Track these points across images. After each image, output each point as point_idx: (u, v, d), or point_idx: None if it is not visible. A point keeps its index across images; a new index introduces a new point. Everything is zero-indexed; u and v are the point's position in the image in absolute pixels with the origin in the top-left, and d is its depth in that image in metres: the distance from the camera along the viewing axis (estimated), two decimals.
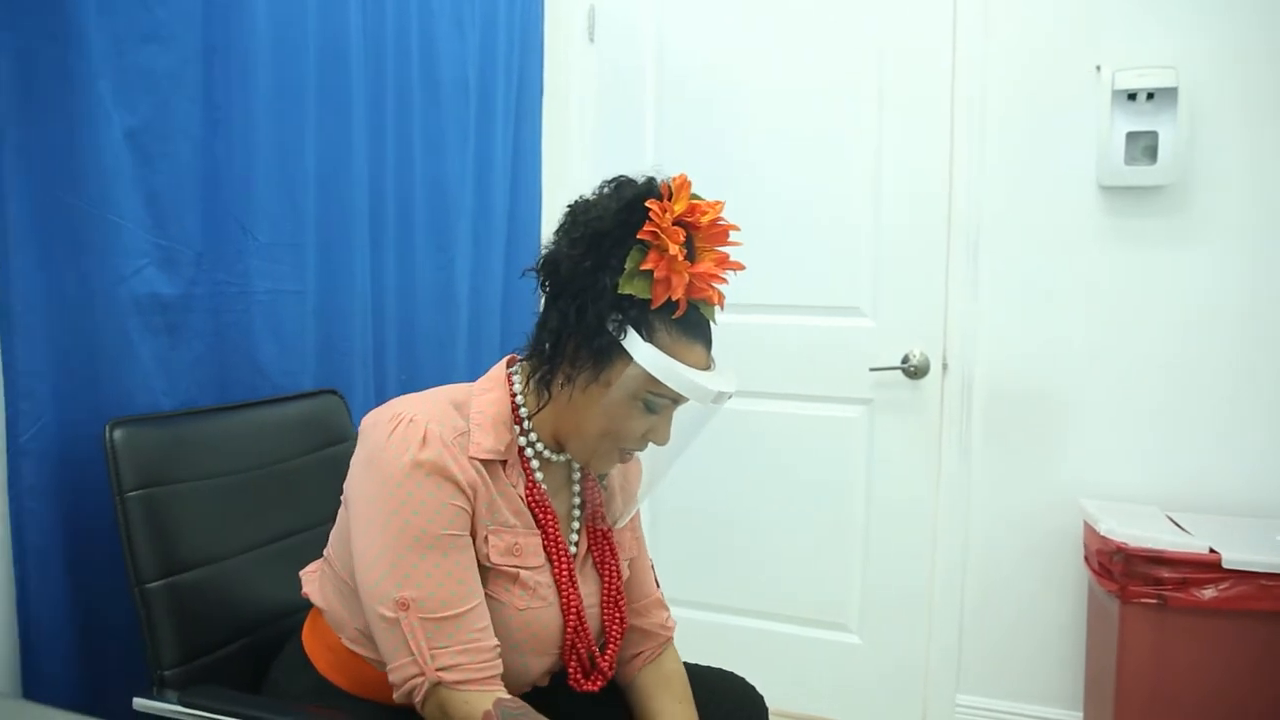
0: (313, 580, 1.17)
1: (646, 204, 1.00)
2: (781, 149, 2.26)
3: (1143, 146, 1.93)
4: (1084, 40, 1.99)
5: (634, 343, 1.00)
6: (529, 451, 1.10)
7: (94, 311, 1.24)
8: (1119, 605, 1.72)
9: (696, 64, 2.34)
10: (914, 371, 2.15)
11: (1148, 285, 1.99)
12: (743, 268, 1.08)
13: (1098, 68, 1.95)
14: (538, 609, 1.07)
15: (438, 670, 0.96)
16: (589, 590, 1.15)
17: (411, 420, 1.00)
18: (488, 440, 1.04)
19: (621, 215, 1.01)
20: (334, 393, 1.57)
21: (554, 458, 1.12)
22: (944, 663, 2.19)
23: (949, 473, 2.16)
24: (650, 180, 1.05)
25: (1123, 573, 1.71)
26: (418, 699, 0.98)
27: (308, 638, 1.17)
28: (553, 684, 1.17)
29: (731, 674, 1.32)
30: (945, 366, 2.15)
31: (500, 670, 1.00)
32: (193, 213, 1.38)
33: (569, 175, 2.44)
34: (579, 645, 1.11)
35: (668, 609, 1.28)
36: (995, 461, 2.13)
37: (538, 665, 1.10)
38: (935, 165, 2.12)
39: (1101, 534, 1.77)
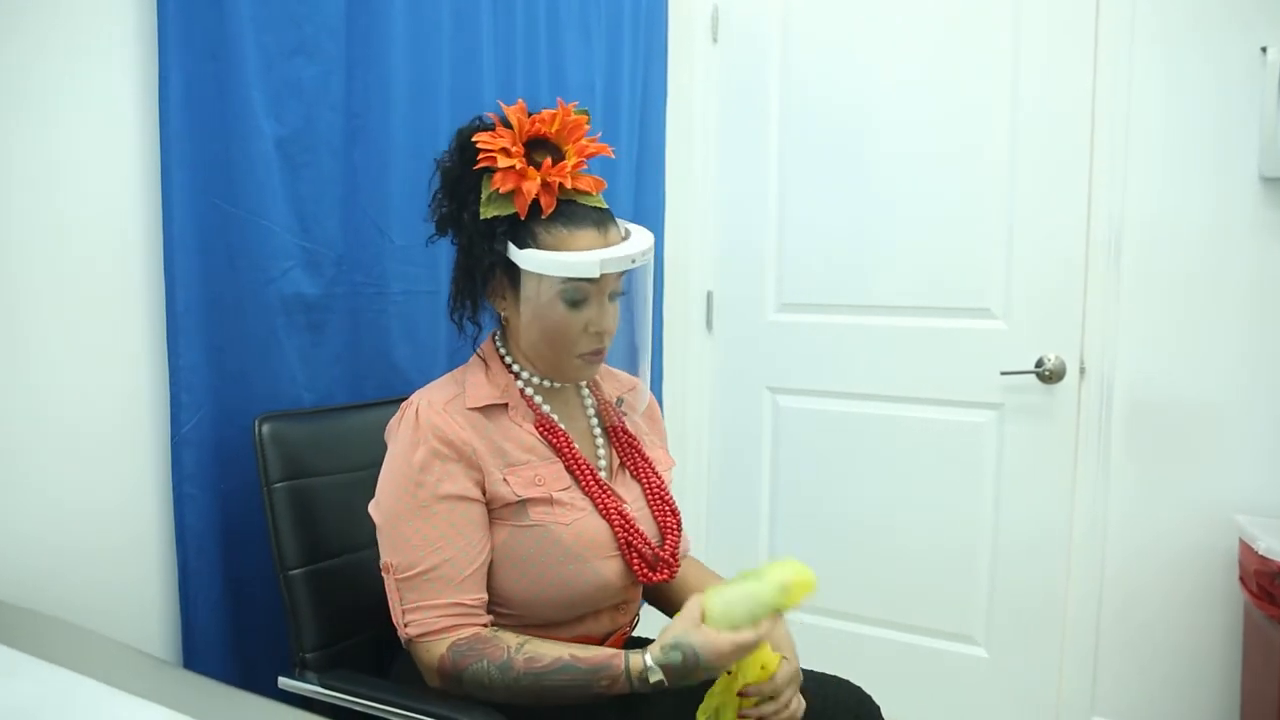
0: None
1: (473, 139, 1.11)
2: (909, 146, 2.19)
3: None
4: (1245, 19, 1.84)
5: (515, 253, 1.10)
6: (528, 390, 1.19)
7: (246, 311, 1.32)
8: None
9: (820, 62, 2.30)
10: (1048, 376, 2.05)
11: None
12: (606, 150, 1.19)
13: (1263, 49, 1.81)
14: (582, 518, 1.15)
15: (404, 626, 1.08)
16: (632, 496, 1.22)
17: (409, 404, 1.14)
18: (481, 390, 1.16)
19: (461, 155, 1.13)
20: None
21: (554, 386, 1.21)
22: (1078, 683, 2.08)
23: (1085, 482, 2.05)
24: (477, 118, 1.15)
25: None
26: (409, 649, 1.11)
27: None
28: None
29: (846, 681, 1.31)
30: (1083, 371, 2.04)
31: (475, 620, 1.08)
32: (334, 217, 1.46)
33: (692, 177, 2.44)
34: (635, 542, 1.17)
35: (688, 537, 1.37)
36: (1137, 472, 2.01)
37: (608, 569, 1.16)
38: (1074, 155, 2.01)
39: (1261, 553, 1.64)
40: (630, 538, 1.17)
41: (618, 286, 1.15)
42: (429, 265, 1.61)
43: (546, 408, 1.20)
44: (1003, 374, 2.10)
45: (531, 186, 1.09)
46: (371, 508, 1.14)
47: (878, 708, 1.29)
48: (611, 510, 1.17)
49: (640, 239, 1.16)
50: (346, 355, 1.50)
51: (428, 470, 1.08)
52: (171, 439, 1.24)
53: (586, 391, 1.28)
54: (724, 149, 2.45)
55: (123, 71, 1.19)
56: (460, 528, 1.09)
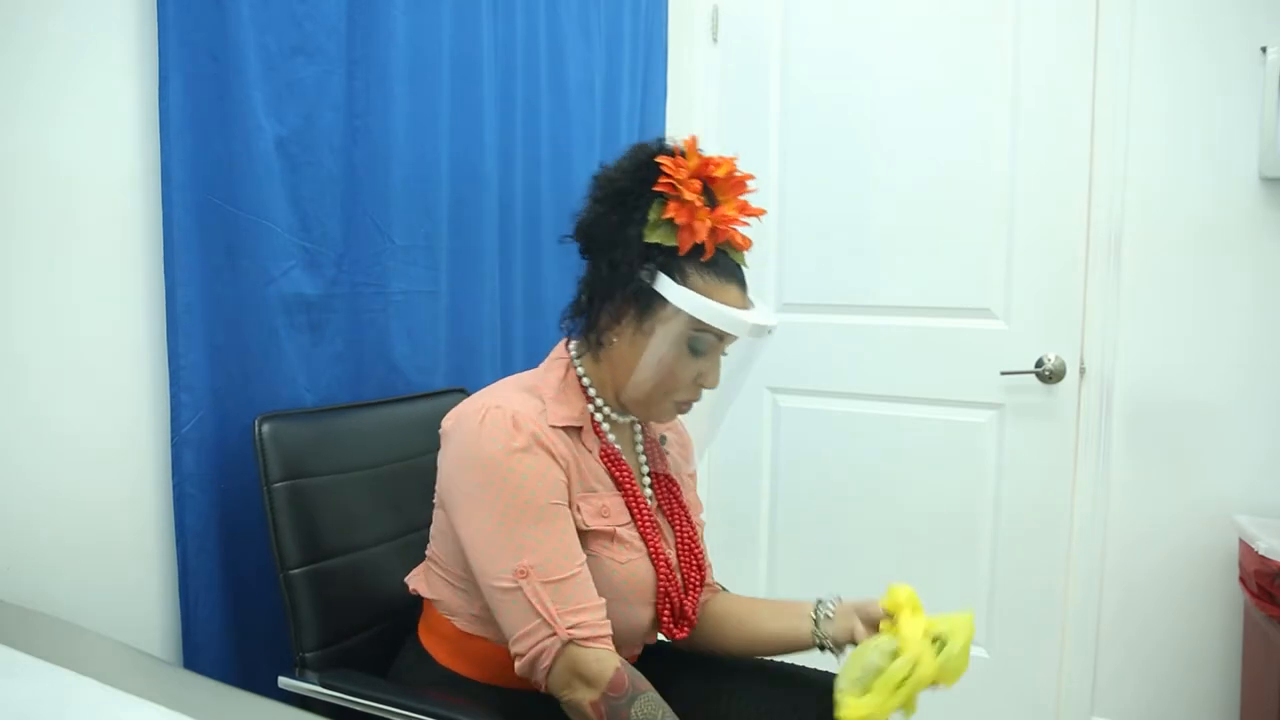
0: (419, 578, 1.23)
1: (658, 160, 1.07)
2: (909, 147, 2.19)
3: None
4: (1245, 19, 1.84)
5: (666, 286, 1.07)
6: (598, 416, 1.17)
7: (246, 311, 1.32)
8: None
9: (820, 62, 2.30)
10: (1049, 376, 2.05)
11: None
12: (763, 213, 1.13)
13: (1263, 49, 1.81)
14: (636, 560, 1.13)
15: (569, 629, 1.00)
16: (668, 542, 1.21)
17: (498, 407, 1.07)
18: (564, 410, 1.12)
19: (639, 173, 1.08)
20: (464, 391, 1.63)
21: (619, 419, 1.19)
22: (1078, 684, 2.08)
23: (1085, 483, 2.05)
24: (661, 140, 1.12)
25: None
26: (546, 663, 1.01)
27: (423, 633, 1.22)
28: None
29: None
30: (1083, 371, 2.05)
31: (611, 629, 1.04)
32: (334, 217, 1.45)
33: None
34: (671, 592, 1.16)
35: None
36: (1137, 472, 2.01)
37: (645, 615, 1.15)
38: (1074, 157, 2.02)
39: (1261, 554, 1.64)
40: (669, 587, 1.15)
41: (727, 347, 1.15)
42: (429, 265, 1.61)
43: (611, 437, 1.18)
44: (1003, 374, 2.10)
45: (703, 227, 1.06)
46: (468, 516, 1.06)
47: None
48: (659, 556, 1.15)
49: (771, 312, 1.14)
50: (347, 355, 1.50)
51: (543, 477, 1.04)
52: (172, 439, 1.24)
53: (639, 427, 1.25)
54: (724, 149, 2.43)
55: (123, 71, 1.19)
56: (576, 537, 1.07)
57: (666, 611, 1.16)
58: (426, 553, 1.22)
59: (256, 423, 1.25)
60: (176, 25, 1.20)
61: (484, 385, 1.71)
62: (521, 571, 1.01)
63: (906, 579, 2.24)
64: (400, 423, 1.48)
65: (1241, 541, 1.78)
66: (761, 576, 2.45)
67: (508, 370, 1.85)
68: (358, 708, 1.14)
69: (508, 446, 1.03)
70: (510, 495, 1.03)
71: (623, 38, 2.16)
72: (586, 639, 1.00)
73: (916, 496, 2.24)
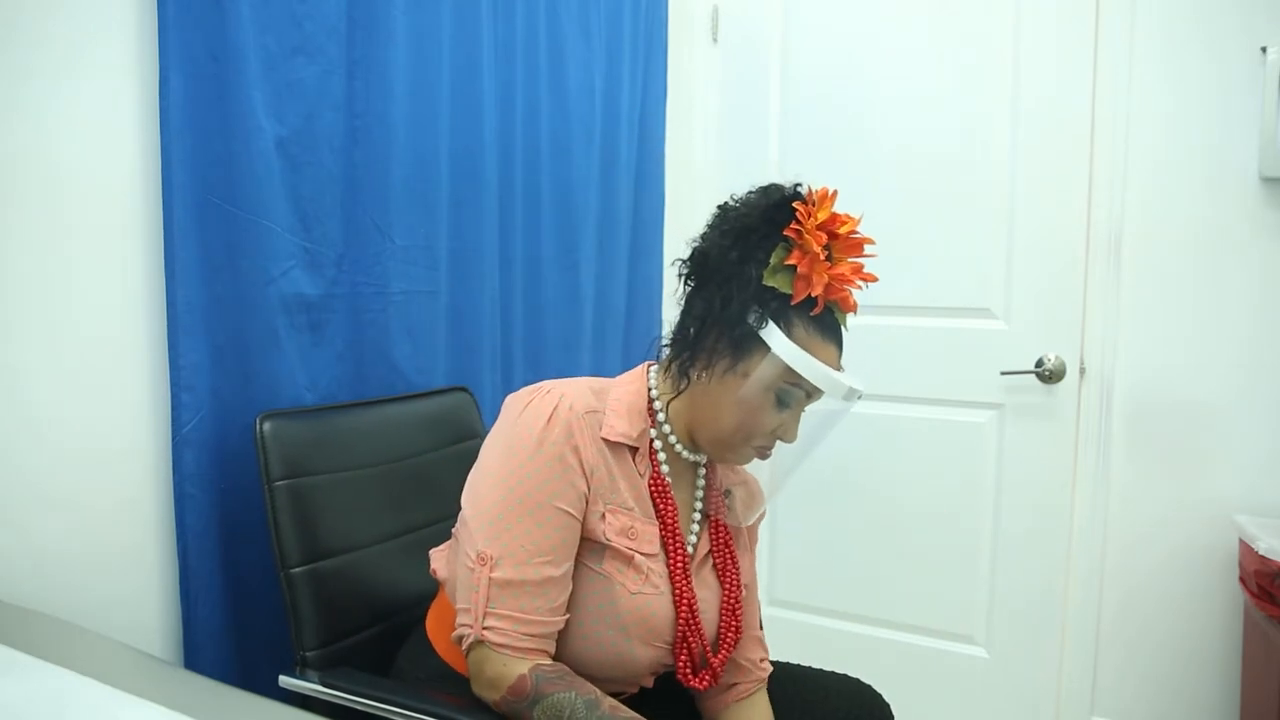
0: (440, 556, 1.21)
1: (793, 205, 1.05)
2: (909, 146, 2.19)
3: None
4: (1245, 19, 1.85)
5: (772, 334, 1.04)
6: (658, 444, 1.14)
7: (246, 310, 1.32)
8: None
9: (821, 63, 2.31)
10: (1049, 376, 2.05)
11: None
12: (876, 279, 1.11)
13: (1263, 49, 1.81)
14: (649, 595, 1.09)
15: (484, 628, 1.01)
16: (707, 594, 1.16)
17: (548, 393, 1.07)
18: (620, 424, 1.09)
19: (769, 213, 1.06)
20: (464, 390, 1.63)
21: (684, 453, 1.15)
22: (1078, 683, 2.08)
23: (1085, 482, 2.05)
24: (796, 186, 1.09)
25: None
26: (464, 648, 1.04)
27: (431, 621, 1.21)
28: (644, 694, 1.18)
29: (858, 680, 1.31)
30: (1083, 371, 2.05)
31: (549, 649, 1.04)
32: (334, 217, 1.45)
33: (693, 176, 2.44)
34: (691, 639, 1.12)
35: (767, 651, 1.28)
36: (1137, 472, 2.01)
37: (645, 655, 1.10)
38: (1074, 155, 2.02)
39: (1260, 554, 1.64)
40: (689, 634, 1.11)
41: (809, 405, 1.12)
42: (429, 265, 1.61)
43: (665, 468, 1.14)
44: (1003, 374, 2.10)
45: (820, 281, 1.04)
46: (477, 483, 1.07)
47: (888, 706, 1.29)
48: (684, 601, 1.11)
49: (863, 379, 1.11)
50: (347, 355, 1.50)
51: (552, 474, 1.03)
52: (172, 439, 1.24)
53: (703, 471, 1.21)
54: (724, 149, 2.45)
55: (123, 71, 1.19)
56: (570, 546, 1.04)
57: (684, 657, 1.12)
58: (453, 531, 1.19)
59: (258, 421, 1.25)
60: (176, 25, 1.20)
61: (484, 385, 1.73)
62: (482, 557, 1.02)
63: (906, 579, 2.26)
64: (401, 422, 1.48)
65: (1241, 541, 1.78)
66: (761, 576, 2.44)
67: (507, 370, 1.85)
68: (358, 707, 1.13)
69: (538, 433, 1.04)
70: (516, 480, 1.03)
71: (623, 38, 2.16)
72: (497, 644, 1.00)
73: (916, 496, 2.24)
